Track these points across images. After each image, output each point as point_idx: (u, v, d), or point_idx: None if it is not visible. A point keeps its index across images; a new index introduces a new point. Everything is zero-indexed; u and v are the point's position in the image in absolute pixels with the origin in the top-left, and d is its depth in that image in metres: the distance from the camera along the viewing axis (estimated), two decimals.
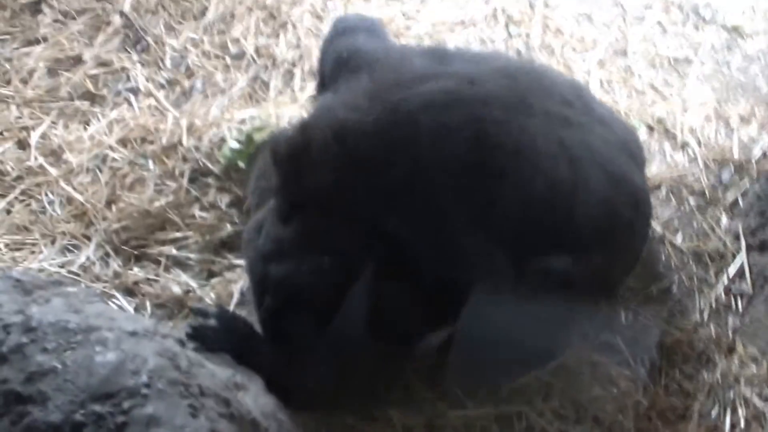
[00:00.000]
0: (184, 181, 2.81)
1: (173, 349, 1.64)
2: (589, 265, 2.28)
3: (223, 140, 2.87)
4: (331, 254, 2.19)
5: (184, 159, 2.89)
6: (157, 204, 2.72)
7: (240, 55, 3.27)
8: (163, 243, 2.66)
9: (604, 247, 2.31)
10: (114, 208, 2.73)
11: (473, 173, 2.20)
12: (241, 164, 2.79)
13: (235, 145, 2.81)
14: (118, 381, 1.44)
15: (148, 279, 2.58)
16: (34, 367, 1.44)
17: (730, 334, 2.49)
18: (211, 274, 2.60)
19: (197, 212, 2.73)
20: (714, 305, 2.56)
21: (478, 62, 2.45)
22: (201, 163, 2.86)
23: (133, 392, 1.43)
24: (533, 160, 2.22)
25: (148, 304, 2.52)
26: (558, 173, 2.23)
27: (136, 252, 2.65)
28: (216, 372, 1.83)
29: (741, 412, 2.30)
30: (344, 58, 2.53)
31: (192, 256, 2.63)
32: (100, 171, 2.86)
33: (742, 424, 2.28)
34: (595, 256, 2.30)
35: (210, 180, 2.84)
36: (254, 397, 2.03)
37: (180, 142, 2.92)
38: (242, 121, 2.91)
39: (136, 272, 2.60)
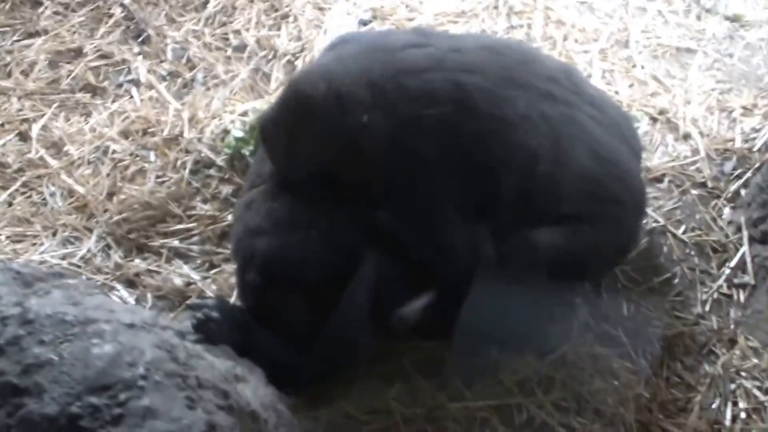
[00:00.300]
0: (186, 173, 2.81)
1: (172, 341, 1.63)
2: (573, 239, 2.28)
3: (225, 131, 2.87)
4: (320, 228, 2.20)
5: (186, 151, 2.89)
6: (158, 195, 2.72)
7: (241, 47, 3.26)
8: (165, 235, 2.67)
9: (589, 223, 2.31)
10: (115, 200, 2.73)
11: (454, 137, 2.20)
12: (246, 153, 2.79)
13: (240, 134, 2.81)
14: (114, 373, 1.44)
15: (150, 271, 2.59)
16: (30, 359, 1.44)
17: (732, 326, 2.48)
18: (213, 266, 2.60)
19: (199, 204, 2.73)
20: (716, 297, 2.56)
21: (465, 38, 2.46)
22: (203, 155, 2.86)
23: (129, 384, 1.43)
24: (513, 128, 2.22)
25: (149, 295, 2.53)
26: (538, 144, 2.24)
27: (137, 244, 2.65)
28: (215, 364, 1.83)
29: (742, 404, 2.30)
30: (333, 43, 2.56)
31: (193, 247, 2.63)
32: (102, 163, 2.87)
33: (743, 416, 2.28)
34: (579, 231, 2.30)
35: (212, 171, 2.84)
36: (254, 389, 2.03)
37: (181, 134, 2.92)
38: (244, 113, 2.91)
39: (138, 264, 2.60)
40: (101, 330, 1.51)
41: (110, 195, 2.76)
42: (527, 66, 2.35)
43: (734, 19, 3.35)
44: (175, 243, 2.65)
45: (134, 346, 1.50)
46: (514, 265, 2.25)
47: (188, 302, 2.42)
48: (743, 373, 2.36)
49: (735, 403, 2.31)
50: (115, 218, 2.67)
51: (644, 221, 2.58)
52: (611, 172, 2.34)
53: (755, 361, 2.38)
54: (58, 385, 1.41)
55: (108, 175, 2.82)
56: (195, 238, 2.66)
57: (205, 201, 2.74)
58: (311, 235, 2.21)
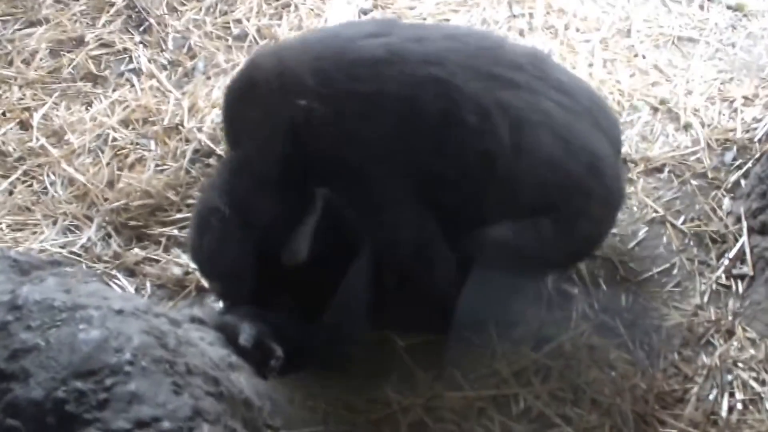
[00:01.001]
0: (185, 162, 2.81)
1: (162, 328, 1.64)
2: (533, 232, 2.26)
3: None
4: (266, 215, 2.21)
5: (186, 140, 2.89)
6: (156, 184, 2.72)
7: (242, 36, 3.26)
8: (163, 223, 2.67)
9: (553, 214, 2.28)
10: (114, 188, 2.73)
11: (402, 132, 2.19)
12: None
13: None
14: (100, 358, 1.45)
15: (149, 259, 2.59)
16: (17, 344, 1.45)
17: (730, 317, 2.47)
18: None
19: (197, 193, 2.73)
20: (714, 288, 2.55)
21: (428, 28, 2.44)
22: (203, 144, 2.86)
23: (115, 369, 1.44)
24: (468, 121, 2.19)
25: (148, 284, 2.53)
26: (496, 137, 2.20)
27: (137, 233, 2.66)
28: (207, 351, 1.83)
29: (738, 395, 2.29)
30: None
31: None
32: (102, 152, 2.87)
33: (740, 408, 2.27)
34: (540, 223, 2.27)
35: (212, 160, 2.84)
36: (249, 377, 2.04)
37: (182, 123, 2.92)
38: None
39: (137, 253, 2.60)
40: (89, 316, 1.52)
41: (110, 184, 2.77)
42: (490, 53, 2.31)
43: (737, 8, 3.33)
44: (175, 232, 2.65)
45: (121, 331, 1.51)
46: (472, 258, 2.24)
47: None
48: (740, 365, 2.35)
49: (732, 395, 2.30)
50: (114, 206, 2.68)
51: (619, 209, 2.52)
52: (579, 160, 2.29)
53: (752, 352, 2.37)
54: (45, 370, 1.42)
55: (108, 164, 2.83)
56: None
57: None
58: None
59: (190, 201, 2.70)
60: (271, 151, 2.21)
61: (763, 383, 2.31)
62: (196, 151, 2.85)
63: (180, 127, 2.91)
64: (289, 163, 2.20)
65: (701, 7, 3.35)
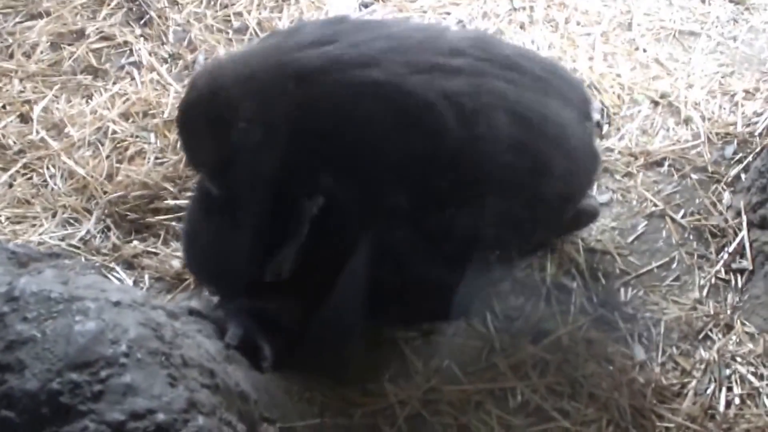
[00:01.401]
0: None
1: (159, 320, 1.64)
2: (491, 215, 2.25)
3: None
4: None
5: None
6: (156, 177, 2.72)
7: (242, 29, 3.25)
8: (163, 216, 2.67)
9: (511, 195, 2.26)
10: (114, 181, 2.73)
11: (351, 140, 2.17)
12: None
13: None
14: (96, 350, 1.45)
15: (148, 252, 2.59)
16: (13, 335, 1.45)
17: (729, 311, 2.47)
18: None
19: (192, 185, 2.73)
20: (713, 282, 2.55)
21: (373, 28, 2.38)
22: None
23: (111, 361, 1.44)
24: (411, 120, 2.17)
25: (146, 276, 2.54)
26: (441, 129, 2.18)
27: (136, 226, 2.66)
28: (204, 344, 1.84)
29: (736, 389, 2.30)
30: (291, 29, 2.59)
31: None
32: (102, 145, 2.87)
33: (737, 402, 2.27)
34: (496, 206, 2.25)
35: None
36: (246, 370, 2.04)
37: None
38: None
39: (136, 245, 2.61)
40: (86, 307, 1.52)
41: (110, 176, 2.76)
42: (430, 45, 2.28)
43: (738, 2, 3.32)
44: (174, 224, 2.65)
45: (118, 323, 1.51)
46: (434, 245, 2.24)
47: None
48: (739, 359, 2.36)
49: (730, 389, 2.30)
50: (112, 197, 2.68)
51: (594, 171, 2.50)
52: (536, 132, 2.25)
53: (751, 346, 2.38)
54: (40, 361, 1.42)
55: (108, 156, 2.83)
56: None
57: None
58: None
59: (189, 194, 2.70)
60: (220, 174, 2.23)
61: (761, 378, 2.31)
62: None
63: None
64: (241, 181, 2.21)
65: (702, 1, 3.34)
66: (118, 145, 2.86)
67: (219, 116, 2.19)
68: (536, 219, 2.35)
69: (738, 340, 2.40)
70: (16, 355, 1.42)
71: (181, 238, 2.52)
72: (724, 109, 2.95)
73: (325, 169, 2.16)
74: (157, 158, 2.81)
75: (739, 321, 2.44)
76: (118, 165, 2.78)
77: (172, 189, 2.69)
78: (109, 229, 2.65)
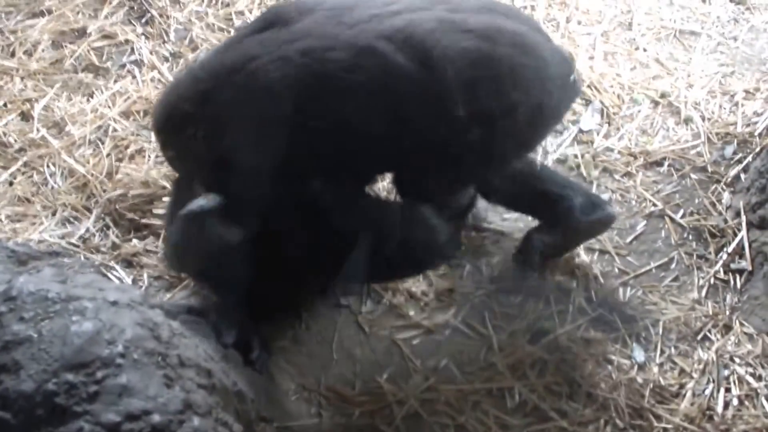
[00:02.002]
0: None
1: (156, 320, 1.64)
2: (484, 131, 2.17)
3: None
4: None
5: None
6: (156, 175, 2.72)
7: None
8: (162, 214, 2.67)
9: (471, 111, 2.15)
10: (113, 179, 2.74)
11: (302, 111, 2.13)
12: None
13: None
14: (92, 350, 1.45)
15: (147, 251, 2.59)
16: (9, 336, 1.46)
17: (728, 312, 2.47)
18: None
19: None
20: (712, 282, 2.55)
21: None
22: None
23: (107, 362, 1.45)
24: (355, 73, 2.11)
25: (145, 275, 2.53)
26: (390, 65, 2.11)
27: (135, 224, 2.65)
28: (203, 343, 1.84)
29: (735, 390, 2.29)
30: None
31: None
32: (102, 143, 2.87)
33: (735, 403, 2.27)
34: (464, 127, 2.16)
35: None
36: (244, 369, 2.05)
37: None
38: None
39: (135, 244, 2.60)
40: (83, 307, 1.52)
41: (110, 175, 2.77)
42: (361, 7, 2.22)
43: (739, 2, 3.33)
44: None
45: (114, 324, 1.51)
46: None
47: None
48: (737, 360, 2.35)
49: (728, 390, 2.30)
50: (112, 196, 2.68)
51: (568, 73, 2.33)
52: (483, 50, 2.16)
53: (749, 347, 2.37)
54: (36, 362, 1.42)
55: (108, 155, 2.83)
56: None
57: None
58: None
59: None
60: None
61: (759, 379, 2.31)
62: None
63: None
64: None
65: (703, 0, 3.35)
66: (118, 144, 2.86)
67: (174, 130, 2.23)
68: (506, 141, 2.25)
69: (737, 341, 2.40)
70: (12, 356, 1.42)
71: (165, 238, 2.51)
72: (724, 109, 2.95)
73: (313, 148, 2.15)
74: (157, 157, 2.81)
75: (737, 322, 2.44)
76: (118, 163, 2.79)
77: (170, 188, 2.69)
78: (108, 227, 2.65)
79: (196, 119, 2.17)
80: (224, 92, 2.15)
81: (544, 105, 2.24)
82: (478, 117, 2.14)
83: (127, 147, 2.85)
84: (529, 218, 2.64)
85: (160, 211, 2.64)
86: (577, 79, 2.35)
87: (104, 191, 2.71)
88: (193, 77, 2.23)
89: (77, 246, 2.60)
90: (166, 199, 2.65)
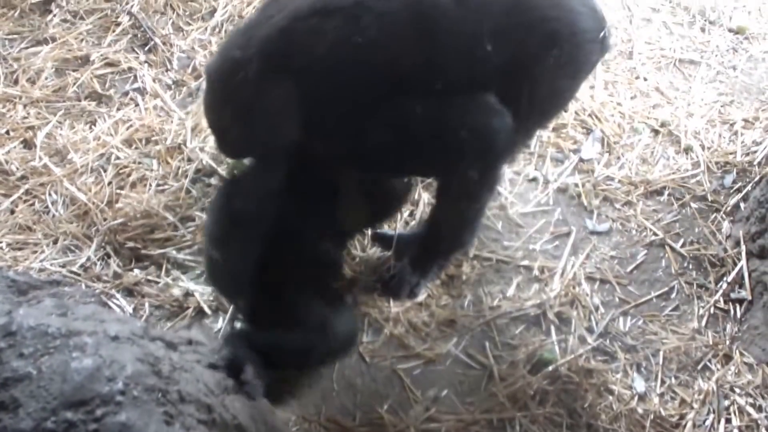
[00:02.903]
0: (186, 181, 2.82)
1: (157, 354, 1.64)
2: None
3: None
4: None
5: (188, 159, 2.90)
6: (156, 204, 2.73)
7: None
8: (163, 244, 2.67)
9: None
10: (114, 207, 2.74)
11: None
12: (247, 162, 2.80)
13: None
14: (92, 387, 1.45)
15: (149, 280, 2.59)
16: (8, 372, 1.45)
17: (728, 342, 2.47)
18: None
19: (196, 213, 2.73)
20: (712, 312, 2.55)
21: None
22: (204, 163, 2.87)
23: (107, 399, 1.44)
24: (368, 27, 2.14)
25: (147, 304, 2.53)
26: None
27: (136, 253, 2.65)
28: (203, 376, 1.83)
29: (735, 421, 2.29)
30: None
31: (189, 258, 2.63)
32: (104, 171, 2.88)
33: None
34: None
35: (213, 180, 2.85)
36: (244, 401, 2.04)
37: (184, 143, 2.93)
38: None
39: (137, 273, 2.60)
40: (83, 343, 1.52)
41: (111, 203, 2.77)
42: None
43: (738, 31, 3.35)
44: (174, 253, 2.64)
45: (115, 359, 1.51)
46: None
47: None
48: (737, 390, 2.35)
49: (728, 421, 2.30)
50: (114, 226, 2.68)
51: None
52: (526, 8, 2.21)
53: (750, 377, 2.37)
54: (35, 399, 1.42)
55: (110, 183, 2.83)
56: (193, 248, 2.65)
57: (203, 210, 2.74)
58: None
59: (190, 224, 2.70)
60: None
61: (759, 410, 2.30)
62: (197, 170, 2.86)
63: (183, 147, 2.92)
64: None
65: (703, 30, 3.36)
66: (120, 172, 2.87)
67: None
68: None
69: (737, 371, 2.39)
70: (11, 393, 1.42)
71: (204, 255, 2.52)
72: (724, 138, 2.96)
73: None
74: (158, 185, 2.82)
75: (737, 351, 2.44)
76: (119, 191, 2.79)
77: (171, 218, 2.70)
78: (109, 256, 2.65)
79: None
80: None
81: (574, 56, 2.27)
82: (507, 62, 2.17)
83: (129, 175, 2.86)
84: (530, 246, 2.65)
85: (164, 242, 2.65)
86: (608, 35, 2.36)
87: (105, 219, 2.72)
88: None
89: (78, 274, 2.60)
90: (168, 231, 2.68)
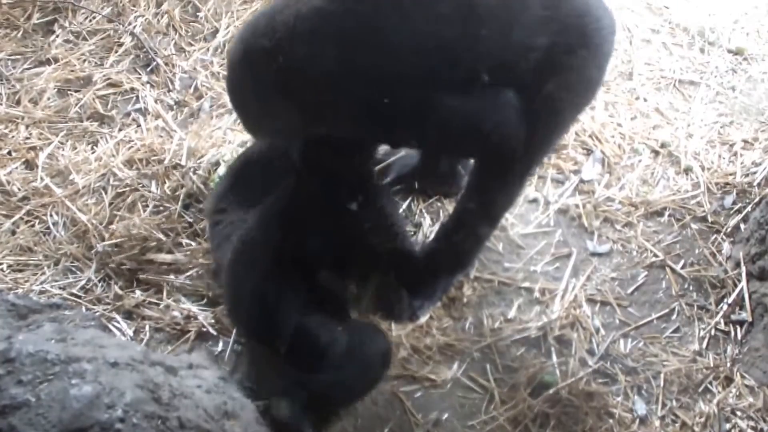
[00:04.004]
0: (179, 206, 2.79)
1: (156, 380, 1.64)
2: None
3: (218, 163, 2.88)
4: None
5: (182, 185, 2.87)
6: (150, 225, 2.72)
7: None
8: (159, 269, 2.65)
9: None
10: (110, 229, 2.74)
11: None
12: None
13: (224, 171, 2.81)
14: (91, 415, 1.44)
15: (149, 303, 2.58)
16: (7, 399, 1.45)
17: (729, 364, 2.46)
18: (212, 302, 2.58)
19: (185, 240, 2.71)
20: (713, 333, 2.54)
21: None
22: (195, 188, 2.85)
23: (106, 427, 1.43)
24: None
25: (147, 327, 2.53)
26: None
27: (136, 275, 2.65)
28: (203, 401, 1.82)
29: None
30: None
31: (189, 282, 2.62)
32: (105, 192, 2.88)
33: None
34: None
35: (203, 205, 2.81)
36: (245, 426, 2.03)
37: (180, 164, 2.93)
38: (243, 144, 2.92)
39: (138, 295, 2.60)
40: (82, 369, 1.51)
41: (109, 224, 2.77)
42: None
43: (737, 52, 3.35)
44: (172, 276, 2.63)
45: (114, 386, 1.50)
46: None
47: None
48: (738, 413, 2.34)
49: None
50: (110, 248, 2.67)
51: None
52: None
53: (751, 400, 2.36)
54: (33, 427, 1.41)
55: (111, 204, 2.84)
56: (191, 272, 2.64)
57: (194, 235, 2.73)
58: None
59: (183, 247, 2.69)
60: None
61: None
62: (189, 195, 2.84)
63: (179, 167, 2.92)
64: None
65: (702, 51, 3.37)
66: (119, 192, 2.87)
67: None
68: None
69: (738, 393, 2.39)
70: (9, 421, 1.41)
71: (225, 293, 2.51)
72: (723, 158, 2.97)
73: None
74: (155, 206, 2.81)
75: (738, 374, 2.43)
76: (117, 213, 2.79)
77: (165, 240, 2.69)
78: (110, 277, 2.65)
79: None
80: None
81: (603, 50, 2.32)
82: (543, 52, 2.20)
83: (128, 196, 2.86)
84: (531, 268, 2.66)
85: (158, 265, 2.65)
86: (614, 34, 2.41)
87: (102, 240, 2.71)
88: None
89: (79, 296, 2.60)
90: (162, 255, 2.67)
